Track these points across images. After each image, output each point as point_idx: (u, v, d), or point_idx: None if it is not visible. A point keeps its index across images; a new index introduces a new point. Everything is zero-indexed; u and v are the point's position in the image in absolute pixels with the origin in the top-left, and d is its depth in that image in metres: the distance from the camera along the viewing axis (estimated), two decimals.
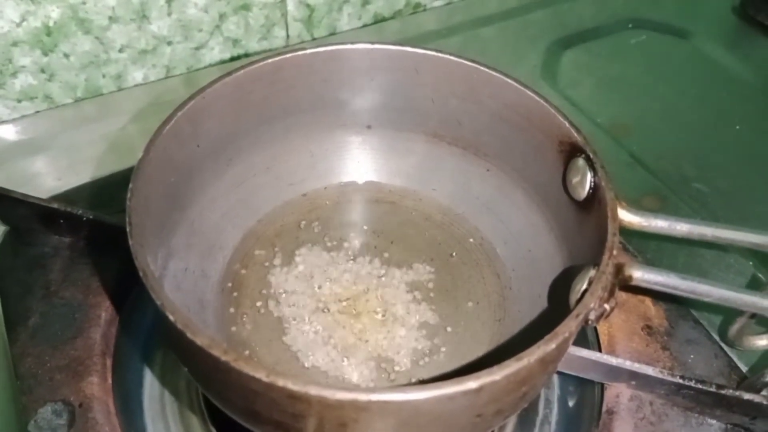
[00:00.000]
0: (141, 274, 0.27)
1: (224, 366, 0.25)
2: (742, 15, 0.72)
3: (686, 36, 0.70)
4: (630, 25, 0.70)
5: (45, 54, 0.53)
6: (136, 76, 0.59)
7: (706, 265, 0.47)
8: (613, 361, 0.36)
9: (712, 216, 0.52)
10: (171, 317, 0.25)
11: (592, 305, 0.27)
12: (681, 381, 0.37)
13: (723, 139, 0.60)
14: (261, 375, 0.24)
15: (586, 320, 0.27)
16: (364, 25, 0.68)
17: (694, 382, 0.37)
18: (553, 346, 0.25)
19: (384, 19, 0.69)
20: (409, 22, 0.69)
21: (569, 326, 0.26)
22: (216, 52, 0.62)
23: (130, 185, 0.30)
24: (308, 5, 0.63)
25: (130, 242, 0.28)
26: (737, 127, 0.60)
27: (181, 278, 0.36)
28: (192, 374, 0.30)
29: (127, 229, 0.28)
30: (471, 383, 0.24)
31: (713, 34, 0.70)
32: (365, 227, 0.44)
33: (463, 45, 0.67)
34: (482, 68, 0.38)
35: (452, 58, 0.38)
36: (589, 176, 0.33)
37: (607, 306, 0.28)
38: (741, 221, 0.44)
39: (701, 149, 0.58)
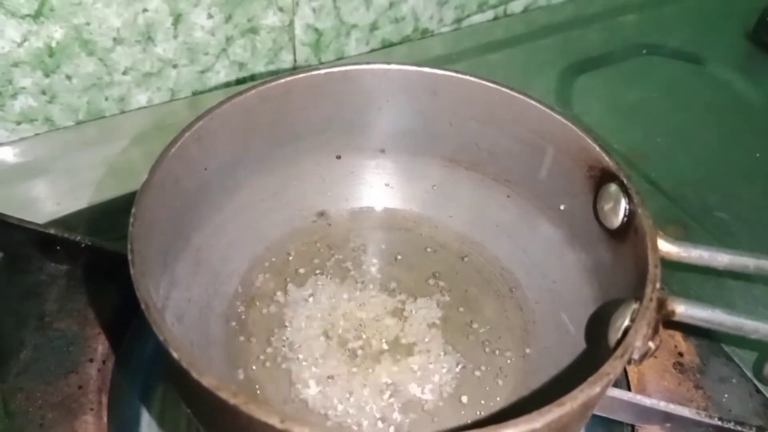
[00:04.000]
0: (143, 305, 0.24)
1: (233, 410, 0.22)
2: (755, 41, 0.71)
3: (700, 62, 0.69)
4: (644, 51, 0.69)
5: (46, 75, 0.52)
6: (140, 99, 0.57)
7: (734, 297, 0.45)
8: (646, 401, 0.34)
9: (738, 245, 0.50)
10: (175, 354, 0.23)
11: (637, 343, 0.25)
12: (720, 423, 0.34)
13: (743, 166, 0.58)
14: (274, 421, 0.22)
15: (629, 360, 0.25)
16: (372, 50, 0.67)
17: (733, 424, 0.34)
18: (597, 389, 0.23)
19: (392, 44, 0.68)
20: (417, 47, 0.68)
21: (614, 366, 0.23)
22: (222, 75, 0.60)
23: (133, 210, 0.28)
24: (316, 29, 0.62)
25: (132, 271, 0.25)
26: (757, 154, 0.59)
27: (184, 310, 0.33)
28: (195, 416, 0.28)
29: (129, 257, 0.26)
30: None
31: (727, 60, 0.70)
32: (378, 256, 0.42)
33: (471, 71, 0.65)
34: (504, 89, 0.36)
35: (473, 79, 0.37)
36: (623, 203, 0.31)
37: (651, 344, 0.26)
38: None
39: (721, 176, 0.57)
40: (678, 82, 0.67)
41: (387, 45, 0.67)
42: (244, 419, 0.23)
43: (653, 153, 0.58)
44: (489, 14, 0.72)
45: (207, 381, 0.23)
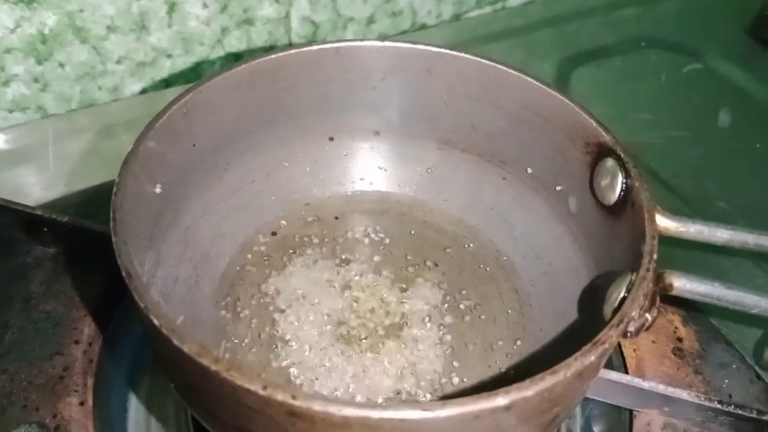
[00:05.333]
0: (124, 273, 0.24)
1: (215, 377, 0.21)
2: (753, 35, 0.71)
3: (699, 55, 0.68)
4: (642, 44, 0.69)
5: (39, 63, 0.51)
6: (134, 88, 0.57)
7: (733, 275, 0.45)
8: (644, 384, 0.33)
9: None
10: (156, 321, 0.22)
11: (633, 313, 0.24)
12: (719, 406, 0.34)
13: (742, 157, 0.58)
14: (257, 387, 0.21)
15: (625, 332, 0.24)
16: None
17: (733, 407, 0.34)
18: (592, 358, 0.22)
19: (388, 38, 0.67)
20: (414, 38, 0.68)
21: (609, 335, 0.23)
22: (217, 66, 0.60)
23: (117, 179, 0.27)
24: (313, 22, 0.62)
25: (114, 239, 0.25)
26: (757, 145, 0.58)
27: (171, 288, 0.33)
28: (178, 391, 0.27)
29: (111, 225, 0.25)
30: (500, 399, 0.21)
31: (726, 54, 0.69)
32: (372, 240, 0.41)
33: None
34: (499, 66, 0.36)
35: (468, 56, 0.36)
36: (620, 178, 0.31)
37: (648, 316, 0.25)
38: None
39: (721, 167, 0.56)
40: (677, 75, 0.67)
41: (384, 39, 0.67)
42: (227, 388, 0.22)
43: (651, 145, 0.58)
44: (487, 9, 0.72)
45: (188, 347, 0.22)
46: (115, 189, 0.27)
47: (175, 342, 0.22)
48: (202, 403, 0.26)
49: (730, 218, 0.50)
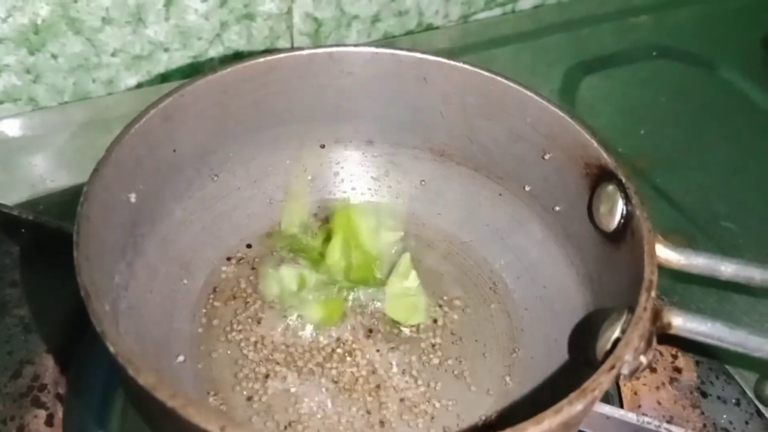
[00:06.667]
0: (83, 292, 0.22)
1: (171, 413, 0.20)
2: None
3: (712, 67, 0.67)
4: (654, 53, 0.67)
5: (31, 53, 0.50)
6: (129, 82, 0.56)
7: (738, 312, 0.43)
8: (640, 419, 0.31)
9: (743, 257, 0.48)
10: (111, 348, 0.21)
11: (627, 357, 0.22)
12: None
13: (753, 175, 0.56)
14: (213, 427, 0.19)
15: (618, 376, 0.23)
16: (373, 42, 0.65)
17: None
18: (579, 407, 0.20)
19: (394, 37, 0.66)
20: (420, 40, 0.66)
21: (599, 382, 0.21)
22: (216, 62, 0.58)
23: (85, 188, 0.26)
24: (316, 19, 0.60)
25: (75, 254, 0.23)
26: None
27: (145, 301, 0.31)
28: (142, 417, 0.25)
29: (74, 239, 0.24)
30: None
31: (740, 67, 0.67)
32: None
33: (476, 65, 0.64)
34: (499, 79, 0.34)
35: (466, 66, 0.35)
36: (620, 205, 0.29)
37: (643, 359, 0.23)
38: None
39: (730, 185, 0.55)
40: (689, 86, 0.65)
41: (389, 37, 0.66)
42: (184, 425, 0.20)
43: (660, 158, 0.56)
44: (497, 11, 0.70)
45: (143, 379, 0.20)
46: (82, 199, 0.25)
47: (130, 372, 0.20)
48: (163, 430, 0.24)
49: (735, 240, 0.49)
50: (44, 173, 0.47)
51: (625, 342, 0.23)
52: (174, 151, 0.32)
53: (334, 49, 0.35)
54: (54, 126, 0.52)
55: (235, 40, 0.58)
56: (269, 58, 0.34)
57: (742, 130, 0.60)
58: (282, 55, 0.34)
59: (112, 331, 0.21)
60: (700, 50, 0.68)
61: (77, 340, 0.36)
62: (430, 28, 0.67)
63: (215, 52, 0.57)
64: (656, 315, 0.26)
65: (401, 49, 0.36)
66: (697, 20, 0.73)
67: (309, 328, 0.35)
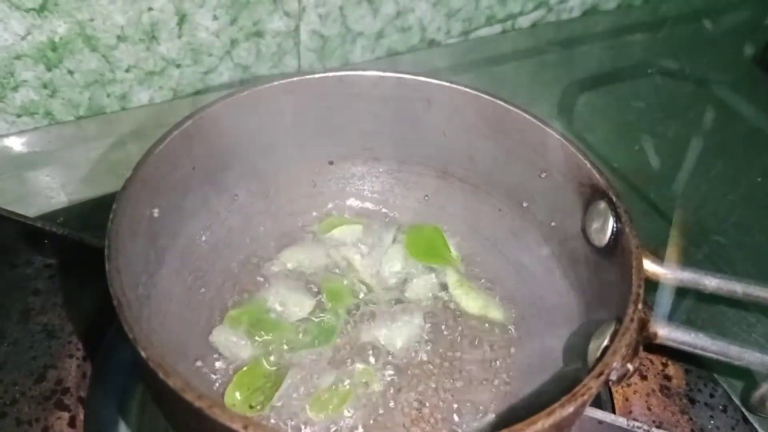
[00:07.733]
0: (115, 302, 0.24)
1: (198, 412, 0.22)
2: (762, 65, 0.71)
3: (706, 84, 0.68)
4: (649, 71, 0.69)
5: (49, 69, 0.52)
6: (142, 97, 0.57)
7: (728, 324, 0.44)
8: (630, 424, 0.33)
9: (732, 271, 0.49)
10: (143, 353, 0.23)
11: (614, 364, 0.24)
12: None
13: (744, 190, 0.57)
14: (238, 426, 0.21)
15: (606, 381, 0.25)
16: (377, 58, 0.67)
17: None
18: (570, 409, 0.22)
19: (397, 53, 0.68)
20: (423, 57, 0.68)
21: (589, 387, 0.23)
22: (225, 77, 0.60)
23: (114, 206, 0.28)
24: (322, 36, 0.62)
25: (107, 267, 0.25)
26: (759, 179, 0.58)
27: (166, 309, 0.33)
28: (166, 418, 0.27)
29: (106, 253, 0.25)
30: None
31: (733, 84, 0.69)
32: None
33: (475, 82, 0.65)
34: (499, 102, 0.36)
35: (467, 90, 0.37)
36: (611, 222, 0.31)
37: (630, 366, 0.25)
38: (763, 278, 0.41)
39: (721, 200, 0.56)
40: (684, 103, 0.66)
41: (393, 54, 0.67)
42: (210, 424, 0.22)
43: (654, 173, 0.57)
44: (497, 28, 0.72)
45: (173, 382, 0.22)
46: (112, 216, 0.27)
47: (161, 376, 0.22)
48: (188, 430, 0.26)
49: (725, 254, 0.50)
50: (61, 186, 0.49)
51: (613, 350, 0.25)
52: (193, 168, 0.34)
53: (343, 73, 0.37)
54: (70, 139, 0.53)
55: (244, 56, 0.60)
56: (283, 82, 0.36)
57: (735, 146, 0.62)
58: (294, 79, 0.36)
59: (143, 337, 0.23)
60: (694, 68, 0.69)
61: (97, 346, 0.37)
62: (432, 44, 0.69)
63: (225, 67, 0.59)
64: (643, 325, 0.28)
65: (407, 73, 0.38)
66: (690, 39, 0.74)
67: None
